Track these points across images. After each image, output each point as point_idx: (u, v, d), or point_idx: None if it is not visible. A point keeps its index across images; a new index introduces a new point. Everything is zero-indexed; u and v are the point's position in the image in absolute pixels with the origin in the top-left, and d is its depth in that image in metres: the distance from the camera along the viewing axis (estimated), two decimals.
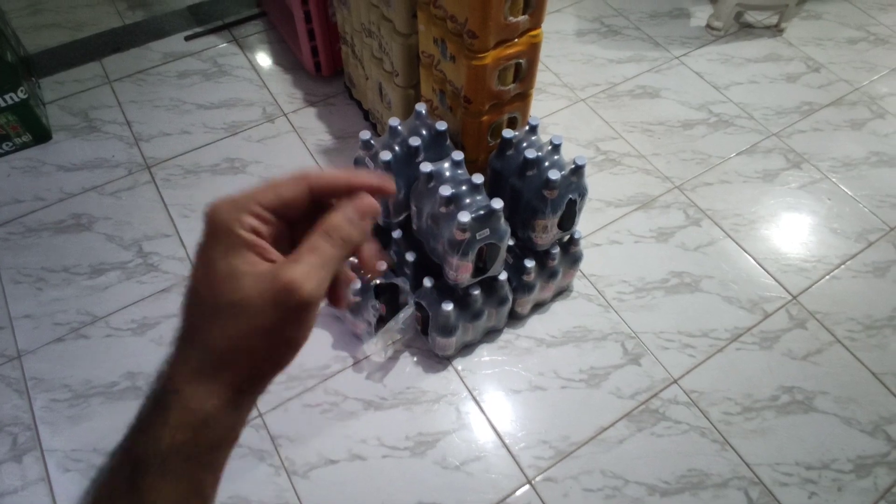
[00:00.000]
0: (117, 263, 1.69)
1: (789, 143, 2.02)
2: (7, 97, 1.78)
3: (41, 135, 1.92)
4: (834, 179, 1.94)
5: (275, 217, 0.35)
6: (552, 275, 1.52)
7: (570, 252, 1.54)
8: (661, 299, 1.66)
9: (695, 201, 1.86)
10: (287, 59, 2.21)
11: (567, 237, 1.51)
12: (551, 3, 2.44)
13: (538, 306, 1.63)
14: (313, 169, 0.38)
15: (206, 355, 0.33)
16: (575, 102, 2.12)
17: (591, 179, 1.88)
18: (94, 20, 2.34)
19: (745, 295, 1.67)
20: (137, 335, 1.56)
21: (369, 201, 0.37)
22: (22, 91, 1.80)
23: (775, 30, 2.38)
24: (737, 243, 1.78)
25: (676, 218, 1.83)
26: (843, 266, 1.74)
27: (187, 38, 2.27)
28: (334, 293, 0.39)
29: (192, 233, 1.74)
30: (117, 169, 1.89)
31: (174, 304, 1.61)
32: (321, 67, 2.07)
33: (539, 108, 2.07)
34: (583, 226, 1.77)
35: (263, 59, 2.22)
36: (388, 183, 0.39)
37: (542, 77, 2.17)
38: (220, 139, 1.98)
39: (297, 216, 0.36)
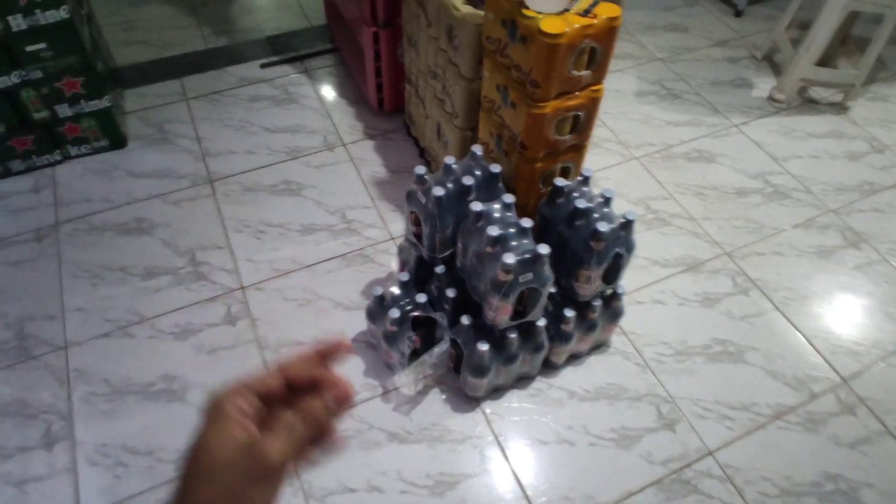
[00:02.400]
0: (170, 269, 1.75)
1: (847, 222, 1.97)
2: (92, 104, 1.91)
3: (118, 141, 2.04)
4: (893, 263, 1.87)
5: (259, 401, 0.43)
6: (591, 327, 1.50)
7: (612, 306, 1.52)
8: (702, 366, 1.61)
9: (744, 270, 1.82)
10: (352, 92, 2.31)
11: (610, 291, 1.49)
12: (614, 62, 2.48)
13: (574, 358, 1.60)
14: (290, 360, 0.46)
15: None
16: (629, 160, 2.13)
17: (638, 237, 1.85)
18: (180, 41, 2.50)
19: (791, 372, 1.61)
20: (179, 340, 1.61)
21: (345, 392, 0.45)
22: (106, 100, 1.93)
23: (839, 107, 2.35)
24: (786, 317, 1.72)
25: (724, 285, 1.79)
26: None
27: (263, 66, 2.40)
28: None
29: (244, 248, 1.81)
30: (182, 180, 1.98)
31: (217, 313, 1.66)
32: (384, 103, 2.16)
33: (592, 161, 2.09)
34: (626, 282, 1.75)
35: (330, 91, 2.32)
36: (344, 344, 0.48)
37: (597, 132, 2.20)
38: (280, 161, 2.06)
39: (277, 399, 0.44)
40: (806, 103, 2.38)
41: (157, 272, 1.75)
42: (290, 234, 1.85)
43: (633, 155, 2.14)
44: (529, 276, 1.26)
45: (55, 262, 1.76)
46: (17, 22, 1.65)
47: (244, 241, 1.83)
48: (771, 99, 2.36)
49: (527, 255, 1.23)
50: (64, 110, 1.88)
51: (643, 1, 2.81)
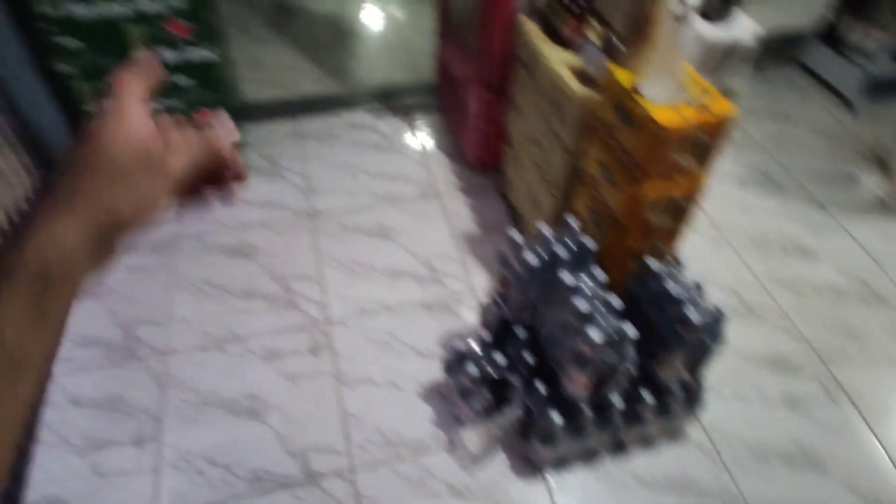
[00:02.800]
0: (266, 293, 1.87)
1: None
2: None
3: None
4: None
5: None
6: (667, 412, 1.48)
7: (691, 395, 1.49)
8: (781, 471, 1.54)
9: (836, 376, 1.74)
10: (451, 147, 2.42)
11: (691, 379, 1.47)
12: None
13: (645, 441, 1.57)
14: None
15: (72, 190, 0.37)
16: (721, 244, 2.10)
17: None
18: (299, 84, 2.72)
19: (872, 491, 1.50)
20: (265, 361, 1.71)
21: (232, 128, 0.44)
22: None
23: None
24: (875, 434, 1.62)
25: (812, 389, 1.71)
26: None
27: (371, 113, 2.56)
28: (221, 180, 0.44)
29: (334, 283, 1.91)
30: (287, 212, 2.13)
31: (302, 342, 1.75)
32: (481, 161, 2.24)
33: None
34: (708, 372, 1.71)
35: (430, 144, 2.45)
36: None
37: None
38: (376, 205, 2.18)
39: None
40: None
41: (254, 294, 1.87)
42: (377, 275, 1.94)
43: (726, 240, 2.11)
44: (613, 354, 1.27)
45: (168, 273, 1.92)
46: (171, 55, 1.86)
47: (335, 276, 1.93)
48: (880, 201, 2.27)
49: (614, 335, 1.24)
50: None
51: (751, 87, 2.80)
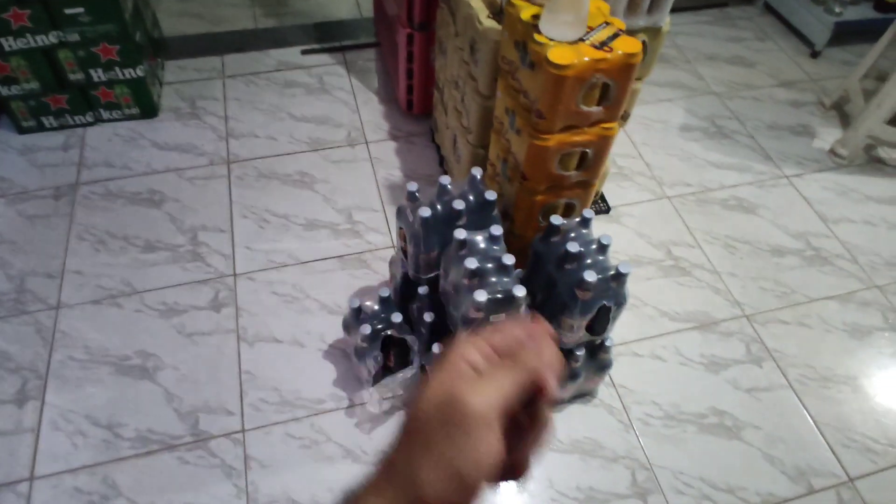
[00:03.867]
0: (170, 245, 1.77)
1: (893, 302, 1.78)
2: (126, 72, 1.94)
3: (149, 111, 2.08)
4: None
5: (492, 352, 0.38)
6: (572, 376, 1.41)
7: (598, 357, 1.41)
8: (692, 435, 1.49)
9: (762, 337, 1.67)
10: (385, 91, 2.26)
11: (597, 342, 1.39)
12: (662, 91, 2.34)
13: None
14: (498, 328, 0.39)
15: (389, 461, 0.35)
16: (659, 198, 1.99)
17: (652, 284, 1.75)
18: (231, 18, 2.53)
19: (791, 459, 1.46)
20: (163, 318, 1.61)
21: (542, 328, 0.39)
22: (140, 69, 1.96)
23: None
24: (798, 398, 1.57)
25: (736, 350, 1.65)
26: None
27: (303, 52, 2.39)
28: (518, 459, 0.39)
29: (245, 234, 1.80)
30: (201, 157, 2.00)
31: (205, 297, 1.66)
32: (413, 106, 2.10)
33: (619, 195, 1.97)
34: (628, 331, 1.64)
35: (364, 86, 2.29)
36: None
37: (630, 164, 2.07)
38: (300, 152, 2.04)
39: None
40: (871, 163, 2.16)
41: (157, 246, 1.76)
42: (292, 226, 1.83)
43: (664, 193, 2.01)
44: (502, 316, 1.18)
45: (66, 222, 1.80)
46: None
47: (247, 227, 1.82)
48: (832, 153, 2.16)
49: (499, 295, 1.15)
50: (98, 75, 1.93)
51: (709, 29, 2.63)
